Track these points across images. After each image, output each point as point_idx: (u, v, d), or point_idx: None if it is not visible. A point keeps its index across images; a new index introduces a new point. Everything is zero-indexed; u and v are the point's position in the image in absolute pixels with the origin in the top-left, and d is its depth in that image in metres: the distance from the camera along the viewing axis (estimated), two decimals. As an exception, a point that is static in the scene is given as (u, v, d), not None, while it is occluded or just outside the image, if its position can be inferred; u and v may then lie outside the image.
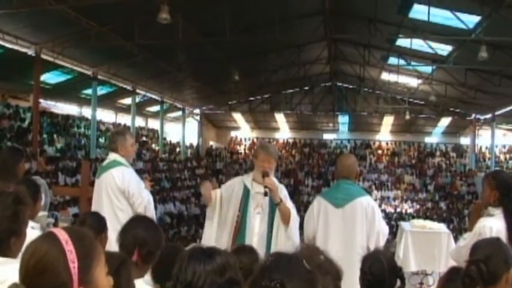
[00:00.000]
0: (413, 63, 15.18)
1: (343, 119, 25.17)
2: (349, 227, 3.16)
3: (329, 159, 24.98)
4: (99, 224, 2.35)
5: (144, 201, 3.33)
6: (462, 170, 23.32)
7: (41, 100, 13.91)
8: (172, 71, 15.72)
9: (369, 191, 20.28)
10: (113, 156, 3.39)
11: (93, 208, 3.31)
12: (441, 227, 5.28)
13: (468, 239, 2.52)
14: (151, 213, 3.37)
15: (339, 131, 26.16)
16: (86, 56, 13.35)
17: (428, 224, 5.30)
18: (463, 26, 10.48)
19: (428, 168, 23.93)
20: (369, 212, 3.15)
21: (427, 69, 15.69)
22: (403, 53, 14.55)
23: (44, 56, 12.03)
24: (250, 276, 0.97)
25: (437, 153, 24.93)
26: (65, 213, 9.34)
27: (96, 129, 15.99)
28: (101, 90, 16.13)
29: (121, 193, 3.27)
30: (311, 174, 23.92)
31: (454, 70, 14.58)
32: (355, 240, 3.12)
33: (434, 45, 12.80)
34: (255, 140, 27.03)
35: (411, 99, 20.28)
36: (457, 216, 19.26)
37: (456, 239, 4.81)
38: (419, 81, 17.29)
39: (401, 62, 15.18)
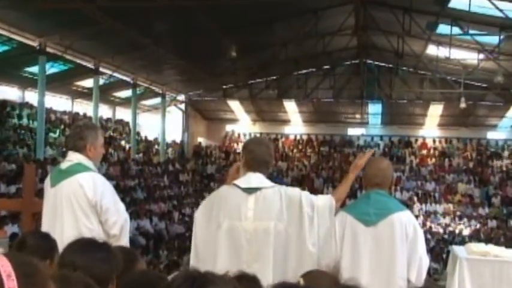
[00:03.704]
0: (472, 31, 15.01)
1: (374, 109, 25.13)
2: (384, 252, 3.15)
3: (356, 162, 24.92)
4: (44, 246, 2.31)
5: (121, 220, 3.31)
6: (542, 176, 23.18)
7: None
8: (148, 44, 15.70)
9: (408, 205, 20.25)
10: (76, 157, 3.36)
11: (45, 227, 3.25)
12: (511, 255, 5.22)
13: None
14: (127, 237, 3.35)
15: (368, 125, 26.13)
16: (30, 21, 13.27)
17: (493, 249, 5.22)
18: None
19: (492, 174, 23.82)
20: (410, 232, 3.16)
21: (493, 39, 15.54)
22: (459, 17, 14.41)
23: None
24: None
25: (506, 153, 24.80)
26: (0, 234, 9.32)
27: (45, 121, 15.97)
28: (52, 68, 16.12)
29: (91, 207, 3.24)
30: (331, 181, 23.89)
31: (532, 39, 14.50)
32: (394, 269, 3.13)
33: (504, 5, 12.55)
34: (257, 135, 26.98)
35: (468, 81, 20.18)
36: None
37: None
38: (481, 56, 17.13)
39: (456, 30, 15.05)
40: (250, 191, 3.04)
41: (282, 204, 3.01)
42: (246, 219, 3.01)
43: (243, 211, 3.02)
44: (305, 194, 3.08)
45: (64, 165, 3.40)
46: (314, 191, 23.75)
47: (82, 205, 3.24)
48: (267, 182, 3.08)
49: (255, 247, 2.98)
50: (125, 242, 3.29)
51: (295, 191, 3.10)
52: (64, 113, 20.35)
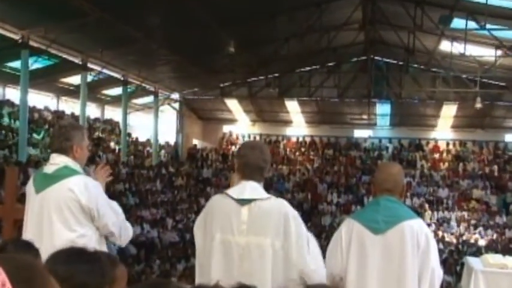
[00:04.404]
0: (489, 25, 15.03)
1: (382, 109, 25.15)
2: (394, 262, 3.14)
3: (362, 166, 24.89)
4: (26, 253, 2.30)
5: (120, 219, 3.38)
6: None
7: None
8: (139, 38, 15.70)
9: (419, 212, 20.21)
10: (61, 159, 3.37)
11: (30, 236, 3.17)
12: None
13: None
14: (125, 236, 3.45)
15: (376, 126, 26.15)
16: (11, 12, 13.23)
17: (511, 261, 5.22)
18: None
19: (510, 179, 23.80)
20: (422, 241, 3.15)
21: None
22: (475, 10, 14.43)
23: None
24: None
25: (526, 157, 24.79)
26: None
27: (28, 120, 15.95)
28: (35, 64, 16.12)
29: (84, 214, 3.26)
30: (336, 186, 23.89)
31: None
32: (404, 282, 3.12)
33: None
34: (257, 137, 26.94)
35: (485, 80, 20.18)
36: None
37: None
38: (499, 52, 17.14)
39: (472, 24, 15.04)
40: (243, 202, 3.03)
41: (280, 219, 3.00)
42: (239, 233, 3.01)
43: (235, 224, 3.02)
44: (306, 231, 3.05)
45: (49, 169, 3.38)
46: (317, 196, 23.80)
47: (74, 211, 3.24)
48: (263, 192, 3.08)
49: (247, 264, 2.98)
50: (126, 235, 3.43)
51: (296, 216, 3.06)
52: (49, 111, 20.32)
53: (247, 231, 3.01)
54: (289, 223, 3.00)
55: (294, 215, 3.05)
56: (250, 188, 3.05)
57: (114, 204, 3.44)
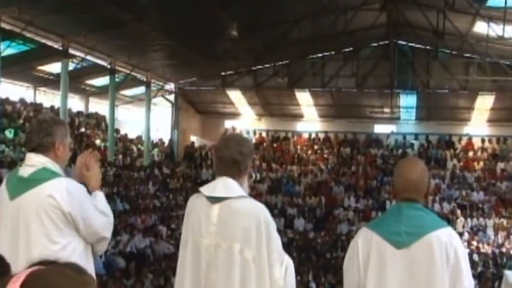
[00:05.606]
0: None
1: (407, 101, 25.13)
2: (420, 281, 3.11)
3: (384, 166, 24.83)
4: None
5: (111, 222, 3.40)
6: None
7: None
8: (129, 20, 15.72)
9: (450, 219, 20.16)
10: (39, 160, 3.34)
11: (3, 248, 3.17)
12: None
13: None
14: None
15: (400, 120, 26.15)
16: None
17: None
18: None
19: (556, 182, 23.71)
20: (452, 255, 3.11)
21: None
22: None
23: None
24: None
25: None
26: None
27: (1, 114, 15.98)
28: (9, 49, 16.15)
29: (67, 222, 3.25)
30: (354, 189, 23.87)
31: None
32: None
33: None
34: (263, 133, 26.97)
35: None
36: None
37: None
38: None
39: (512, 2, 14.99)
40: (214, 200, 3.09)
41: (252, 224, 3.02)
42: (207, 235, 3.07)
43: (204, 224, 3.09)
44: (282, 251, 3.12)
45: (25, 171, 3.35)
46: (332, 201, 23.77)
47: (54, 219, 3.22)
48: (237, 190, 3.11)
49: (214, 274, 3.03)
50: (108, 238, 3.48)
51: (273, 226, 3.12)
52: (24, 104, 20.37)
53: (215, 233, 3.06)
54: (262, 231, 3.03)
55: (269, 223, 3.08)
56: (224, 185, 3.11)
57: (98, 205, 3.41)
